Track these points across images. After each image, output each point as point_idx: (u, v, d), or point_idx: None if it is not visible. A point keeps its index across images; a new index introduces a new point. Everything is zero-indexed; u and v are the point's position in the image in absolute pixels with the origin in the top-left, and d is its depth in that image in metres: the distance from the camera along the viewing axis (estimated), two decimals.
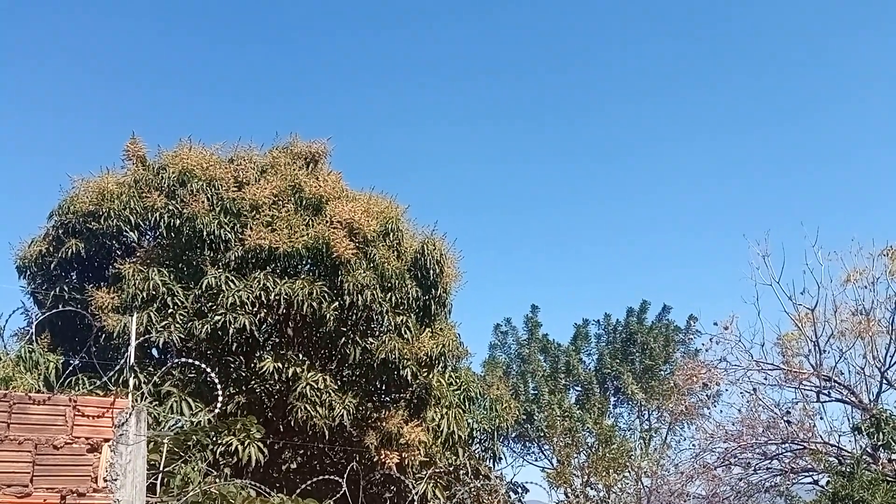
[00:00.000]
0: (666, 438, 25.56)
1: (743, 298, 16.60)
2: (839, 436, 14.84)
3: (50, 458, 4.66)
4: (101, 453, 4.76)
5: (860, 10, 40.98)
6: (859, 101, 42.71)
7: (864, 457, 12.78)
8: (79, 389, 10.30)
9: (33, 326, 12.81)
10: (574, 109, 46.88)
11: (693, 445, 18.08)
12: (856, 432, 13.46)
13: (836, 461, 13.61)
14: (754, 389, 15.80)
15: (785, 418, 15.36)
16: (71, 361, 12.15)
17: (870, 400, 14.84)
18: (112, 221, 14.50)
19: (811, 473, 14.80)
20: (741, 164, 44.84)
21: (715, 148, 44.31)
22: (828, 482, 12.86)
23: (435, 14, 44.69)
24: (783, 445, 15.15)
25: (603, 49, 45.91)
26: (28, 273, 15.09)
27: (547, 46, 45.76)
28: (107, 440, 4.80)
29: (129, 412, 4.90)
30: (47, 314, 12.03)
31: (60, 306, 12.91)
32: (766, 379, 15.85)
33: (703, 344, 17.76)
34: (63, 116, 41.93)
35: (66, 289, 14.56)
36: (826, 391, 15.25)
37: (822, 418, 15.47)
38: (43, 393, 4.96)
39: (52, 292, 14.28)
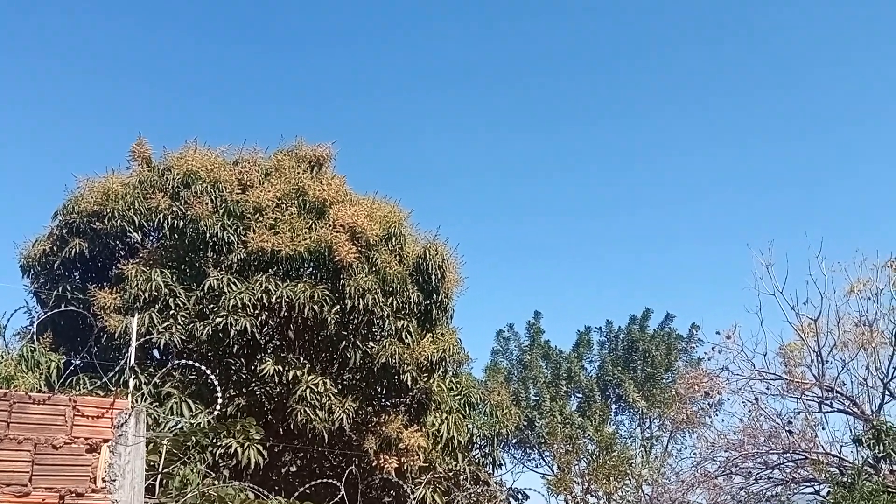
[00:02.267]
0: (667, 447, 25.49)
1: (746, 308, 16.62)
2: (841, 446, 14.79)
3: (49, 457, 4.66)
4: (100, 454, 4.76)
5: (865, 22, 41.01)
6: (865, 111, 42.70)
7: (865, 467, 12.73)
8: (79, 389, 10.32)
9: (35, 326, 12.84)
10: (579, 117, 46.88)
11: (694, 454, 18.03)
12: (857, 443, 13.42)
13: (838, 472, 13.56)
14: (756, 399, 15.76)
15: (787, 428, 15.31)
16: (72, 361, 12.19)
17: (872, 411, 14.78)
18: (116, 222, 14.54)
19: (812, 484, 14.75)
20: (746, 173, 44.80)
21: (720, 157, 44.33)
22: (828, 493, 12.82)
23: (441, 20, 44.79)
24: (784, 455, 15.10)
25: (609, 57, 45.93)
26: (31, 272, 15.13)
27: (553, 54, 45.81)
28: (106, 441, 4.80)
29: (128, 413, 4.90)
30: (50, 314, 12.06)
31: (63, 306, 12.94)
32: (768, 388, 15.82)
33: (705, 353, 17.73)
34: (69, 116, 42.08)
35: (69, 288, 14.59)
36: (828, 402, 15.20)
37: (824, 429, 15.42)
38: (44, 392, 4.96)
39: (55, 292, 14.31)
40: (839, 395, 15.04)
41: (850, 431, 14.89)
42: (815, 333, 15.26)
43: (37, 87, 40.11)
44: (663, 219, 45.18)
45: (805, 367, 15.65)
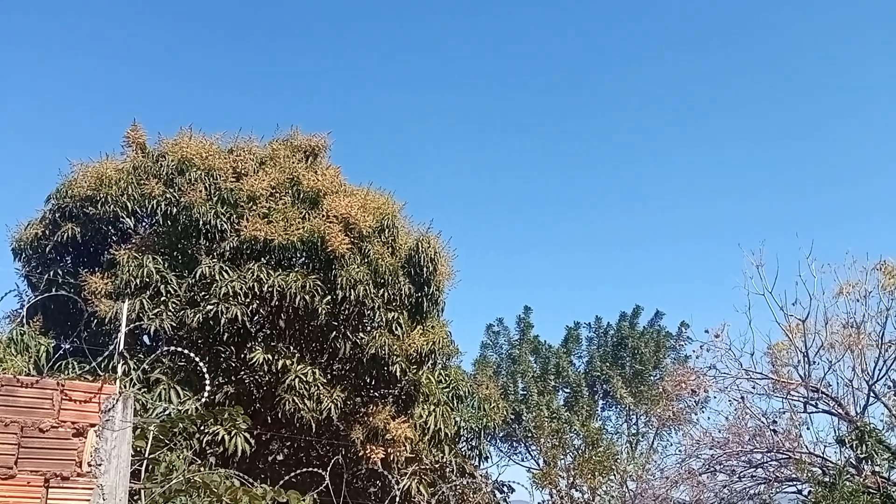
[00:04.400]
0: (653, 443, 25.67)
1: (735, 307, 16.65)
2: (824, 446, 14.90)
3: (35, 440, 4.70)
4: (86, 438, 4.80)
5: (855, 24, 41.16)
6: (857, 113, 42.88)
7: (847, 468, 12.86)
8: (68, 373, 10.32)
9: (25, 309, 12.84)
10: (573, 113, 47.02)
11: (679, 451, 18.12)
12: (840, 444, 13.54)
13: (820, 472, 13.69)
14: (742, 398, 15.85)
15: (771, 427, 15.42)
16: (62, 345, 12.19)
17: (857, 412, 14.90)
18: (109, 207, 14.53)
19: (795, 483, 14.87)
20: (738, 173, 45.05)
21: (713, 157, 44.51)
22: (810, 492, 12.96)
23: (439, 13, 44.75)
24: (768, 454, 15.21)
25: (604, 55, 46.01)
26: (23, 255, 15.12)
27: (548, 50, 45.85)
28: (93, 425, 4.84)
29: (116, 398, 4.94)
30: (40, 297, 12.06)
31: (54, 290, 12.94)
32: (754, 388, 15.90)
33: (693, 351, 17.78)
34: (64, 101, 41.94)
35: (60, 272, 14.58)
36: (813, 402, 15.31)
37: (808, 429, 15.54)
38: (32, 376, 4.99)
39: (47, 276, 14.30)
40: (824, 396, 15.15)
41: (835, 432, 15.01)
42: (802, 334, 15.35)
43: (32, 71, 39.97)
44: (655, 216, 45.44)
45: (791, 368, 15.75)
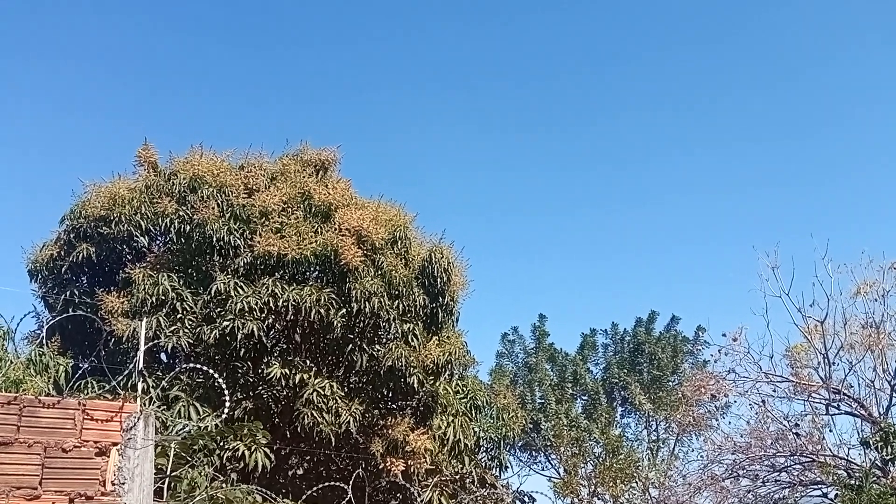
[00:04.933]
0: (674, 449, 25.46)
1: (752, 310, 16.53)
2: (848, 449, 14.76)
3: (59, 461, 4.69)
4: (109, 457, 4.79)
5: (870, 23, 40.92)
6: (871, 113, 42.56)
7: (873, 470, 12.70)
8: (88, 393, 10.35)
9: (44, 330, 12.91)
10: (585, 117, 46.79)
11: (701, 457, 18.00)
12: (864, 446, 13.38)
13: (846, 474, 13.53)
14: (763, 401, 15.73)
15: (794, 430, 15.27)
16: (80, 365, 12.22)
17: (880, 413, 14.74)
18: (123, 226, 14.62)
19: (820, 486, 14.72)
20: (752, 175, 44.62)
21: (725, 158, 44.22)
22: (836, 495, 12.81)
23: (446, 20, 44.84)
24: (792, 458, 15.07)
25: (614, 56, 45.88)
26: (39, 277, 15.21)
27: (558, 53, 45.78)
28: (115, 444, 4.84)
29: (137, 416, 4.94)
30: (58, 318, 12.10)
31: (71, 310, 12.98)
32: (774, 391, 15.78)
33: (711, 355, 17.71)
34: (76, 121, 42.23)
35: (76, 293, 14.65)
36: (835, 404, 15.17)
37: (831, 431, 15.40)
38: (52, 396, 5.00)
39: (63, 296, 14.36)
40: (846, 398, 15.00)
41: (858, 434, 14.87)
42: (821, 335, 15.23)
43: (43, 92, 40.35)
44: (668, 220, 45.13)
45: (812, 370, 15.63)
